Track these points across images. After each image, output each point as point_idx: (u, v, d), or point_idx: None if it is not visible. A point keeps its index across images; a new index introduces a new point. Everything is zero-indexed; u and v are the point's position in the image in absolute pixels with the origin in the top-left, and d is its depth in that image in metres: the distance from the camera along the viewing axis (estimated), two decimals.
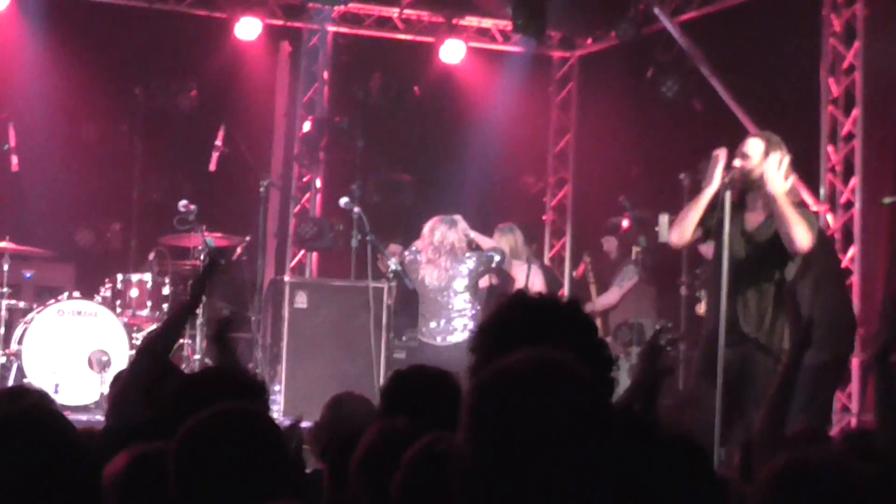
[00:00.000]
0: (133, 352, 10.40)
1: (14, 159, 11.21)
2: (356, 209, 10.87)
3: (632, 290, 11.93)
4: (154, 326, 10.74)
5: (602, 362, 2.99)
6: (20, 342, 10.34)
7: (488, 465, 2.16)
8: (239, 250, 11.88)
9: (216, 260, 4.97)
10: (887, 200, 10.21)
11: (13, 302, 10.82)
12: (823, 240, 8.72)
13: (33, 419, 2.60)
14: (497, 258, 10.06)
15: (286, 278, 11.79)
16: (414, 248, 10.32)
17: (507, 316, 3.08)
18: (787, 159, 7.30)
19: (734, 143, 7.56)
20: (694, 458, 3.05)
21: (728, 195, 7.03)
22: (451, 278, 9.88)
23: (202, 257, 11.20)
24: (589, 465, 2.14)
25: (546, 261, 13.67)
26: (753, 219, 7.18)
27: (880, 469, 3.13)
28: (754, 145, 7.38)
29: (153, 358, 4.71)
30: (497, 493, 2.15)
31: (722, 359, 6.91)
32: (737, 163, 7.34)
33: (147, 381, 4.43)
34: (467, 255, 9.99)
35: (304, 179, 13.65)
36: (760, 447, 4.21)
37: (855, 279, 10.66)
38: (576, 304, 3.20)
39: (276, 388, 10.82)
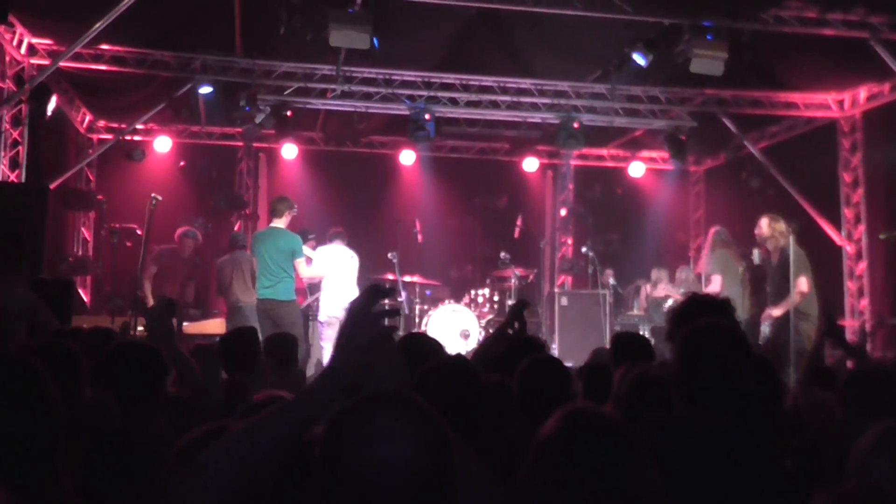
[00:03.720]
0: (480, 330, 13.82)
1: (419, 236, 14.71)
2: (590, 253, 15.11)
3: None
4: (491, 317, 14.28)
5: None
6: (425, 326, 13.76)
7: (684, 375, 3.01)
8: (531, 277, 15.36)
9: (525, 303, 5.27)
10: (882, 236, 13.17)
11: (421, 306, 14.49)
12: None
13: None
14: None
15: (556, 290, 15.48)
16: None
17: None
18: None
19: None
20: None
21: None
22: None
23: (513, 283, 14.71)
24: (744, 367, 2.92)
25: None
26: None
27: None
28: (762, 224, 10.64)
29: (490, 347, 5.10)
30: (691, 389, 2.98)
31: None
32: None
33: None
34: None
35: (562, 240, 17.22)
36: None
37: (865, 282, 14.21)
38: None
39: (553, 346, 13.84)
